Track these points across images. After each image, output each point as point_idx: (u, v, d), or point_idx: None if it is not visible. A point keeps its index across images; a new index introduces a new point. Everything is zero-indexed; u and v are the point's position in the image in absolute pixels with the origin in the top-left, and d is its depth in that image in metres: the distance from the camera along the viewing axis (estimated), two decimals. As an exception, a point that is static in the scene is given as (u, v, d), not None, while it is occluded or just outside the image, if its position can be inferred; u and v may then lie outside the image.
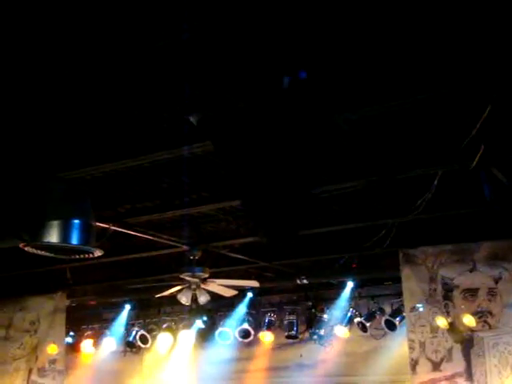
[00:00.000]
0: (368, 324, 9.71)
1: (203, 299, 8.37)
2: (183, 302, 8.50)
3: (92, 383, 11.54)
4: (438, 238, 7.66)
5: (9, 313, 10.39)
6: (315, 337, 10.25)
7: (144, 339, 11.03)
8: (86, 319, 11.50)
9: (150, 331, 11.07)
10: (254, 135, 4.23)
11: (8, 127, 4.77)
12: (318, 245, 8.15)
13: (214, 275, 8.34)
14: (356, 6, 3.54)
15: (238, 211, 6.88)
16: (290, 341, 10.50)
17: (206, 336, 10.84)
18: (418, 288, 7.88)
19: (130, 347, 11.33)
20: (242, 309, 10.46)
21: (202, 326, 10.72)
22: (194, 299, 8.36)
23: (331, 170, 5.69)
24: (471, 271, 7.60)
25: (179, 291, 8.41)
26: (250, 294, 10.36)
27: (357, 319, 9.76)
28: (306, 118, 4.20)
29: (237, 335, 10.47)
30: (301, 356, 10.61)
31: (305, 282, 9.32)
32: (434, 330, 7.76)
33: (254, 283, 8.74)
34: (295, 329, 10.29)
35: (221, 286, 8.43)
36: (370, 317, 9.73)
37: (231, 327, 10.51)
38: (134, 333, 11.06)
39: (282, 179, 4.35)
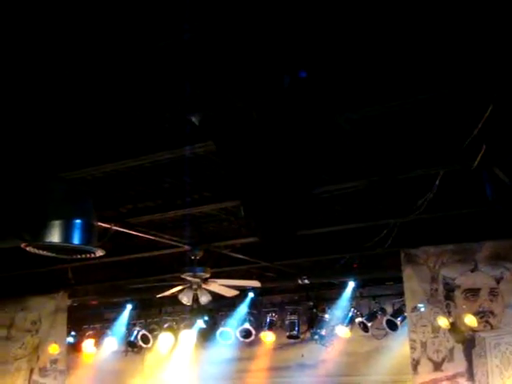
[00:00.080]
0: (369, 324, 9.71)
1: (204, 299, 8.37)
2: (184, 302, 8.50)
3: (93, 383, 11.54)
4: (439, 237, 7.66)
5: (10, 313, 10.40)
6: (316, 337, 10.26)
7: (145, 339, 11.04)
8: (87, 319, 11.51)
9: (151, 331, 11.08)
10: (255, 135, 4.23)
11: (9, 127, 4.78)
12: (319, 245, 8.15)
13: (216, 275, 8.34)
14: (357, 5, 3.54)
15: (239, 211, 6.88)
16: (292, 341, 10.50)
17: (207, 336, 10.84)
18: (419, 288, 7.87)
19: (132, 347, 11.34)
20: (243, 309, 10.46)
21: (204, 326, 10.72)
22: (196, 299, 8.37)
23: (332, 170, 5.69)
24: (473, 271, 7.59)
25: (180, 291, 8.41)
26: (251, 294, 10.36)
27: (358, 319, 9.76)
28: (307, 117, 4.20)
29: (238, 335, 10.47)
30: (302, 356, 10.61)
31: (306, 281, 9.32)
32: (436, 330, 7.75)
33: (256, 283, 8.74)
34: (296, 329, 10.29)
35: (222, 286, 8.43)
36: (372, 317, 9.73)
37: (232, 327, 10.51)
38: (135, 333, 11.08)
39: (282, 179, 4.35)
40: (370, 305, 9.83)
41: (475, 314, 7.53)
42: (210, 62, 3.77)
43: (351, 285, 9.63)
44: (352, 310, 9.79)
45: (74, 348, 11.27)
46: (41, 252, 5.25)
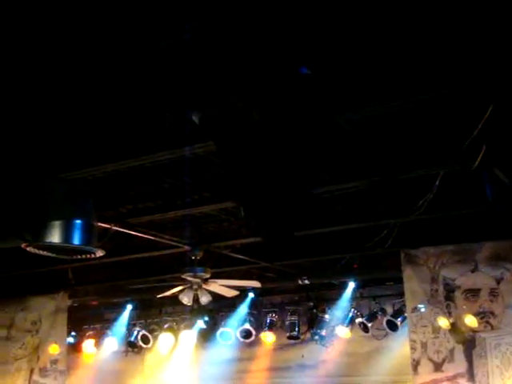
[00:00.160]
0: (369, 324, 9.71)
1: (205, 299, 8.37)
2: (185, 303, 8.50)
3: (93, 383, 11.55)
4: (439, 238, 7.66)
5: (10, 313, 10.40)
6: (317, 337, 10.25)
7: (145, 339, 11.05)
8: (87, 319, 11.51)
9: (151, 331, 11.08)
10: (255, 135, 4.23)
11: (10, 128, 4.78)
12: (319, 245, 8.15)
13: (216, 275, 8.34)
14: (358, 5, 3.54)
15: (239, 211, 6.87)
16: (292, 341, 10.50)
17: (207, 336, 10.84)
18: (419, 288, 7.87)
19: (132, 347, 11.34)
20: (243, 309, 10.46)
21: (204, 327, 10.72)
22: (196, 299, 8.37)
23: (333, 170, 5.69)
24: (473, 272, 7.59)
25: (181, 291, 8.42)
26: (251, 295, 10.36)
27: (358, 320, 9.76)
28: (307, 118, 4.20)
29: (238, 335, 10.47)
30: (302, 356, 10.61)
31: (306, 282, 9.32)
32: (436, 330, 7.75)
33: (256, 283, 8.74)
34: (297, 329, 10.29)
35: (222, 287, 8.43)
36: (372, 317, 9.73)
37: (233, 327, 10.51)
38: (135, 333, 11.08)
39: (283, 179, 4.35)
40: (370, 305, 9.83)
41: (475, 314, 7.52)
42: (210, 62, 3.77)
43: (351, 285, 9.63)
44: (352, 310, 9.79)
45: (75, 348, 11.27)
46: (41, 252, 5.26)
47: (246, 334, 10.46)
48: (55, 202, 5.16)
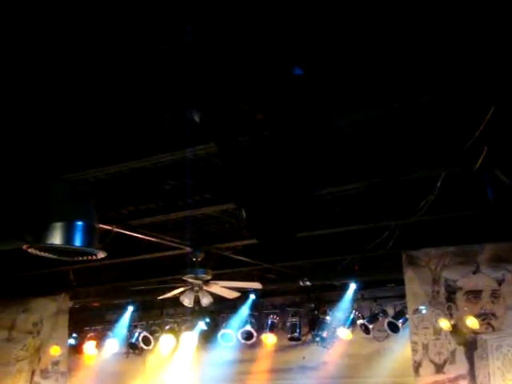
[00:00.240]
0: (371, 326, 9.70)
1: (206, 301, 8.37)
2: (186, 304, 8.51)
3: (95, 385, 11.56)
4: (441, 239, 7.65)
5: (12, 314, 10.40)
6: (318, 339, 10.24)
7: (147, 341, 11.05)
8: (88, 321, 11.52)
9: (152, 333, 11.08)
10: (257, 137, 4.23)
11: (11, 129, 4.78)
12: (320, 247, 8.15)
13: (217, 277, 8.34)
14: (359, 6, 3.54)
15: (240, 213, 6.87)
16: (293, 343, 10.49)
17: (208, 338, 10.84)
18: (420, 290, 7.87)
19: (133, 349, 11.34)
20: (244, 311, 10.45)
21: (205, 328, 10.72)
22: (197, 301, 8.37)
23: (334, 172, 5.69)
24: (474, 273, 7.59)
25: (182, 293, 8.42)
26: (252, 296, 10.36)
27: (359, 321, 9.75)
28: (309, 119, 4.20)
29: (239, 337, 10.47)
30: (303, 358, 10.60)
31: (307, 283, 9.32)
32: (437, 332, 7.75)
33: (257, 285, 8.74)
34: (298, 331, 10.28)
35: (223, 288, 8.44)
36: (373, 319, 9.72)
37: (234, 329, 10.50)
38: (136, 334, 11.08)
39: (284, 181, 4.35)
40: (371, 307, 9.82)
41: (477, 316, 7.52)
42: (211, 64, 3.78)
43: (352, 287, 9.62)
44: (353, 311, 9.78)
45: (76, 350, 11.27)
46: (42, 254, 5.26)
47: (247, 336, 10.46)
48: (57, 203, 5.17)
